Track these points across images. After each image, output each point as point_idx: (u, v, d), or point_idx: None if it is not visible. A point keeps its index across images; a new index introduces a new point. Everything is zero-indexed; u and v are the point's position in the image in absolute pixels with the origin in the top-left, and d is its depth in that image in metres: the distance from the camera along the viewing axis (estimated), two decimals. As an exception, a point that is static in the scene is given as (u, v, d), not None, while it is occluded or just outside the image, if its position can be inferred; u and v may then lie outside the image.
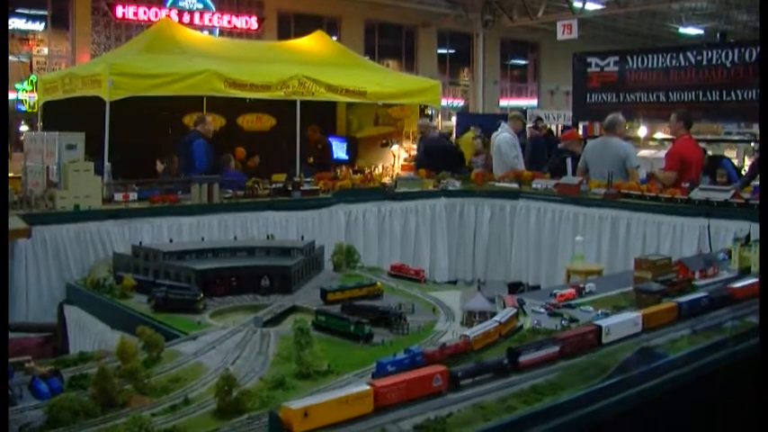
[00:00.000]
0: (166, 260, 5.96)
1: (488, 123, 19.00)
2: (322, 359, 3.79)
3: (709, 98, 14.38)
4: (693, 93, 14.58)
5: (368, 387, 3.10)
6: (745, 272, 6.06)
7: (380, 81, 14.45)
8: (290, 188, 9.90)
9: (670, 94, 14.92)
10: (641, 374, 3.89)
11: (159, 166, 13.13)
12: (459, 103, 36.77)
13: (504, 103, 37.68)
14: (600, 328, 4.17)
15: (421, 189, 11.22)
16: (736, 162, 16.93)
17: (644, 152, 17.34)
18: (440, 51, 36.35)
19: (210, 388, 3.39)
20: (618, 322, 4.31)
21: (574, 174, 12.03)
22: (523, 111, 20.26)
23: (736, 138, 19.77)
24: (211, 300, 5.42)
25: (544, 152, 15.96)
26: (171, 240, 7.81)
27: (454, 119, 28.22)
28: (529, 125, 18.81)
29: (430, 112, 22.64)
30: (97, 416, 3.13)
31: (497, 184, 11.83)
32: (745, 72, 13.85)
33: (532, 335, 4.25)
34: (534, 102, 39.21)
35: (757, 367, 4.05)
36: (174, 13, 25.59)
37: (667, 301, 4.89)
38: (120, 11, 25.69)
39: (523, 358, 3.71)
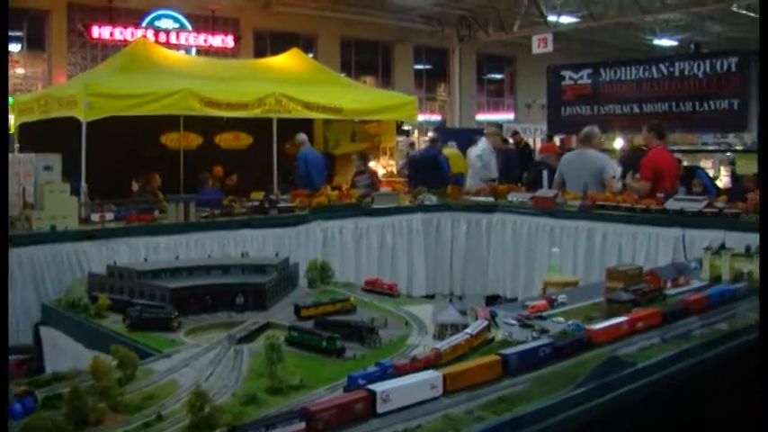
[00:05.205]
0: (141, 279, 5.95)
1: (464, 138, 19.16)
2: (294, 374, 3.82)
3: (683, 109, 14.59)
4: (666, 104, 14.80)
5: None
6: (715, 280, 6.16)
7: (357, 97, 14.50)
8: (266, 206, 9.94)
9: (643, 105, 15.13)
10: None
11: (134, 186, 13.13)
12: (437, 118, 36.88)
13: (481, 117, 37.83)
14: (373, 394, 3.19)
15: (397, 205, 11.28)
16: (711, 173, 17.10)
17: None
18: (416, 67, 36.47)
19: (184, 404, 3.41)
20: (402, 386, 3.32)
21: (550, 186, 12.12)
22: (499, 125, 20.32)
23: (712, 148, 19.96)
24: (186, 318, 5.40)
25: (516, 165, 16.02)
26: (146, 259, 7.82)
27: (431, 134, 28.33)
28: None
29: (407, 128, 22.82)
30: (70, 434, 3.14)
31: (473, 197, 11.89)
32: (717, 83, 14.05)
33: (503, 346, 4.27)
34: (511, 116, 39.38)
35: (757, 371, 4.05)
36: (150, 33, 25.57)
37: (492, 352, 4.00)
38: (95, 31, 25.64)
39: None
